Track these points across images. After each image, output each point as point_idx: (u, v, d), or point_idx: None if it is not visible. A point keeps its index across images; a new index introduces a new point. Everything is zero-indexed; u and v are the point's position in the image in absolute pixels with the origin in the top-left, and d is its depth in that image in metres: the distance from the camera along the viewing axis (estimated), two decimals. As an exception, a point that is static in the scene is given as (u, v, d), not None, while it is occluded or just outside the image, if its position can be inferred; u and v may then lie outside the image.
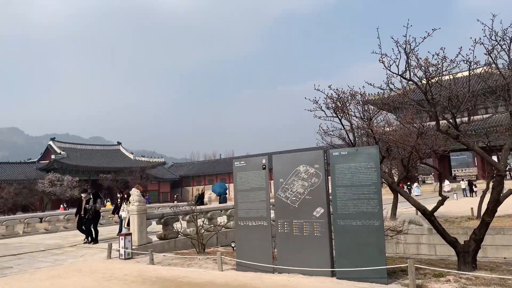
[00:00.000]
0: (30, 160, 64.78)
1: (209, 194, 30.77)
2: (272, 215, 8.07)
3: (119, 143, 73.39)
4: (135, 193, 11.33)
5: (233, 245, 11.48)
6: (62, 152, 58.42)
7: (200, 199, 26.95)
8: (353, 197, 6.79)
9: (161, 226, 12.27)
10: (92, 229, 13.28)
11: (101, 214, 22.94)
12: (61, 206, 38.02)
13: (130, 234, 10.60)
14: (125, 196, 14.75)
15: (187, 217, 12.40)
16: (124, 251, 10.22)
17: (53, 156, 57.19)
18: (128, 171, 54.99)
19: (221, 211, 13.91)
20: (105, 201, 46.10)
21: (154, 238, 11.78)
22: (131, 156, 69.64)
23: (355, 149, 6.96)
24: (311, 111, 8.44)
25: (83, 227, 13.50)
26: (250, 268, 7.85)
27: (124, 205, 14.37)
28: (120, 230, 14.79)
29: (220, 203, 21.73)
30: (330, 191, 7.30)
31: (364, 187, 6.71)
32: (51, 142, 62.60)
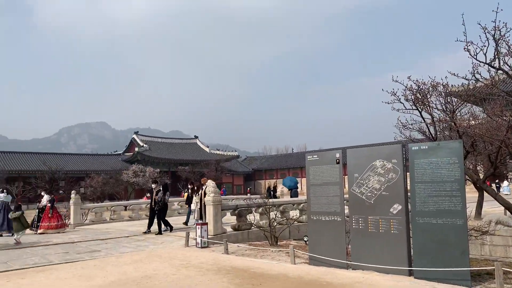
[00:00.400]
0: (116, 152, 69.78)
1: (281, 188, 30.95)
2: (346, 211, 7.92)
3: (196, 137, 76.37)
4: (210, 184, 11.72)
5: (305, 239, 11.46)
6: (144, 145, 62.16)
7: (272, 193, 27.27)
8: (434, 194, 6.43)
9: (235, 217, 12.59)
10: (160, 221, 13.62)
11: (177, 203, 24.16)
12: (145, 195, 40.33)
13: (206, 223, 11.00)
14: (195, 188, 15.26)
15: (260, 210, 12.58)
16: (201, 240, 10.63)
17: (136, 149, 61.08)
18: (204, 164, 57.06)
19: (294, 205, 13.92)
20: (183, 192, 48.37)
21: (228, 229, 12.11)
22: (207, 149, 72.14)
23: (437, 143, 6.57)
24: (388, 103, 8.10)
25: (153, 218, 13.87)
26: (322, 262, 7.78)
27: (195, 197, 14.79)
28: (187, 220, 15.55)
29: (291, 197, 21.79)
30: (408, 187, 6.99)
31: (446, 183, 6.32)
32: (134, 136, 66.85)
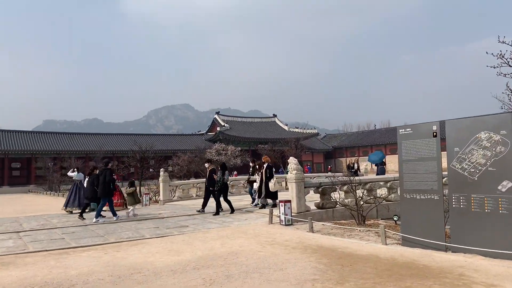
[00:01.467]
0: (199, 132, 72.54)
1: (365, 165, 29.87)
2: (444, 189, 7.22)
3: (274, 116, 76.59)
4: (292, 161, 11.48)
5: (395, 218, 10.83)
6: (225, 125, 63.77)
7: (353, 170, 26.46)
8: (555, 170, 5.54)
9: (318, 195, 12.27)
10: (219, 201, 13.17)
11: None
12: (234, 172, 41.30)
13: (289, 201, 10.82)
14: (257, 166, 14.78)
15: (345, 188, 12.11)
16: (285, 217, 10.50)
17: (218, 128, 62.89)
18: (283, 142, 57.11)
19: (381, 182, 13.22)
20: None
21: (312, 207, 11.84)
22: (286, 128, 72.10)
23: (559, 111, 5.63)
24: (494, 67, 7.13)
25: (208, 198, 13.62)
26: (417, 244, 7.21)
27: (256, 176, 14.51)
28: (253, 200, 15.07)
29: (377, 174, 20.83)
30: (521, 162, 6.13)
31: None
32: (216, 116, 68.85)
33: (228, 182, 14.06)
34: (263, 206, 13.75)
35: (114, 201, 15.10)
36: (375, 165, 22.86)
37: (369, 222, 10.93)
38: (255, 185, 14.61)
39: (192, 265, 6.65)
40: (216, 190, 13.28)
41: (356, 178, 12.06)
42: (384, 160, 22.94)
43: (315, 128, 76.64)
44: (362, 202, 10.85)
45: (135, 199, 13.84)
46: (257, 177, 14.42)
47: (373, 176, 19.60)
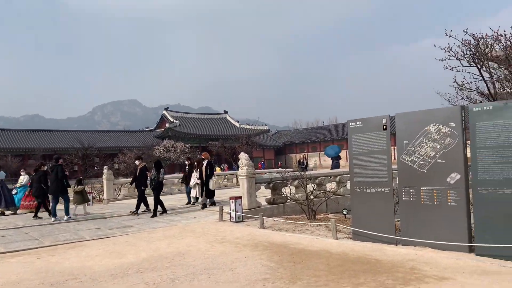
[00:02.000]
0: (147, 129, 70.57)
1: (314, 160, 30.24)
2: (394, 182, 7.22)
3: (225, 112, 76.11)
4: (243, 157, 11.18)
5: (344, 212, 10.85)
6: (175, 121, 62.41)
7: (303, 166, 26.69)
8: (500, 161, 5.62)
9: (269, 191, 12.07)
10: (157, 201, 12.33)
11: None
12: (183, 170, 40.28)
13: (240, 197, 10.53)
14: (195, 164, 13.99)
15: (296, 183, 11.99)
16: (235, 214, 10.18)
17: (167, 125, 61.42)
18: (234, 138, 56.82)
19: (331, 177, 13.25)
20: (215, 167, 48.41)
21: (263, 203, 11.62)
22: (237, 124, 71.85)
23: (504, 103, 5.71)
24: (442, 60, 7.19)
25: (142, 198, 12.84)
26: (368, 238, 7.15)
27: (194, 173, 13.76)
28: (189, 200, 14.28)
29: (331, 169, 21.06)
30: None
31: (516, 148, 5.48)
32: (165, 112, 67.21)
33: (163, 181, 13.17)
34: (204, 206, 13.06)
35: (27, 202, 14.23)
36: (331, 159, 23.11)
37: (319, 216, 10.86)
38: (192, 183, 13.87)
39: (134, 268, 6.17)
40: (152, 188, 12.45)
41: (307, 172, 11.97)
42: (339, 154, 23.24)
43: (266, 125, 76.98)
44: (312, 197, 10.76)
45: (84, 197, 13.41)
46: (194, 175, 13.73)
47: (322, 170, 19.74)
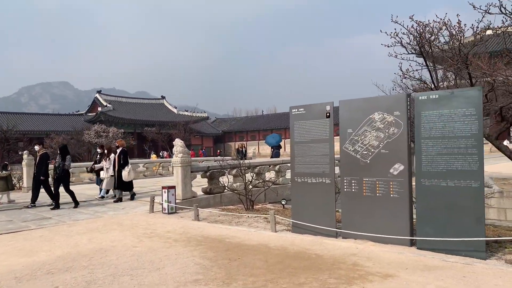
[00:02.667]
0: (78, 112, 66.60)
1: (253, 149, 29.94)
2: (336, 172, 6.91)
3: (163, 97, 73.80)
4: (178, 143, 10.44)
5: (283, 202, 10.52)
6: (108, 105, 59.37)
7: (242, 154, 26.26)
8: (444, 152, 5.44)
9: (206, 180, 11.45)
10: (58, 192, 10.87)
11: (142, 165, 22.78)
12: (152, 154, 37.79)
13: (173, 187, 9.81)
14: (105, 152, 12.80)
15: (234, 171, 11.47)
16: (168, 205, 9.47)
17: (99, 109, 58.31)
18: (171, 125, 55.21)
19: (270, 166, 12.88)
20: (150, 154, 46.68)
21: (199, 192, 10.99)
22: (175, 110, 69.97)
23: (450, 92, 5.52)
24: (388, 46, 6.95)
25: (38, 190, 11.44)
26: (307, 230, 6.81)
27: (104, 163, 12.58)
28: (101, 191, 12.87)
29: (271, 157, 20.78)
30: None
31: (460, 139, 5.33)
32: (97, 95, 63.72)
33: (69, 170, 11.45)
34: (119, 199, 11.85)
35: None
36: (271, 148, 22.84)
37: (257, 206, 10.46)
38: (102, 174, 12.54)
39: (46, 269, 5.33)
40: (56, 178, 10.94)
41: (246, 161, 11.49)
42: (280, 143, 23.01)
43: (205, 112, 75.75)
44: (251, 187, 10.31)
45: (8, 184, 12.51)
46: (104, 164, 12.47)
47: (262, 159, 19.40)
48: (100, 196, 12.60)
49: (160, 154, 48.06)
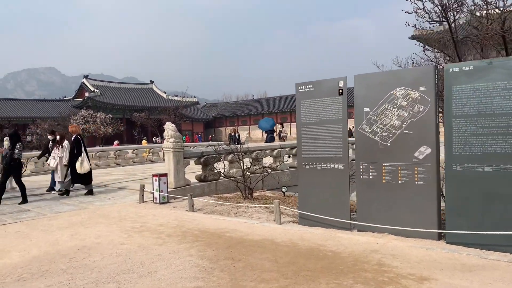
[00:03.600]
0: (64, 98, 64.94)
1: (246, 134, 29.11)
2: (350, 156, 6.16)
3: (151, 82, 72.28)
4: (170, 127, 9.60)
5: (284, 190, 9.81)
6: (96, 90, 57.90)
7: (236, 139, 25.49)
8: (480, 132, 4.70)
9: (199, 166, 10.65)
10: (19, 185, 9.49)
11: (131, 151, 21.87)
12: (115, 142, 36.33)
13: (165, 174, 8.99)
14: (57, 139, 10.94)
15: (230, 157, 10.68)
16: (159, 194, 8.67)
17: (86, 94, 56.83)
18: (161, 110, 54.05)
19: (268, 151, 12.10)
20: (141, 139, 45.60)
21: (193, 180, 10.20)
22: (164, 95, 68.64)
23: (487, 62, 4.75)
24: (409, 13, 6.14)
25: None
26: (316, 222, 6.08)
27: (55, 151, 10.74)
28: (53, 184, 11.10)
29: (266, 142, 20.00)
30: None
31: (500, 117, 4.58)
32: (84, 80, 62.04)
33: (21, 158, 9.67)
34: (66, 193, 10.23)
35: None
36: (265, 132, 21.98)
37: (256, 194, 9.71)
38: (52, 163, 10.75)
39: (17, 274, 4.53)
40: (3, 167, 9.55)
41: (244, 146, 10.68)
42: (274, 128, 22.21)
43: (195, 97, 74.46)
44: (249, 173, 9.54)
45: None
46: (56, 153, 10.68)
47: (256, 144, 18.57)
48: (58, 190, 10.68)
49: (154, 140, 46.92)
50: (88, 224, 6.96)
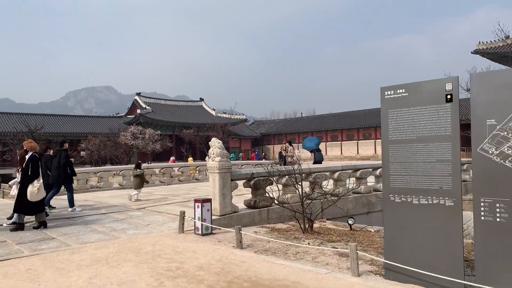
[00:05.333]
0: (118, 115, 66.48)
1: (298, 152, 27.47)
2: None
3: (201, 99, 72.72)
4: (216, 144, 8.23)
5: (350, 222, 8.13)
6: (147, 107, 58.72)
7: (285, 157, 23.88)
8: None
9: (248, 189, 9.18)
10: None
11: (177, 169, 20.87)
12: (171, 158, 35.74)
13: (209, 200, 7.59)
14: (19, 156, 8.48)
15: (284, 180, 9.14)
16: (201, 224, 7.27)
17: (138, 111, 57.66)
18: (209, 127, 53.63)
19: (327, 173, 10.42)
20: (188, 156, 45.15)
21: (241, 205, 8.75)
22: (213, 112, 68.65)
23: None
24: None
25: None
26: (412, 278, 4.38)
27: (17, 175, 8.75)
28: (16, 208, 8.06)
29: (315, 161, 18.31)
30: None
31: None
32: (137, 97, 63.21)
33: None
34: (19, 227, 7.85)
35: None
36: (311, 152, 20.34)
37: (315, 225, 8.09)
38: (12, 191, 8.97)
39: None
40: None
41: (303, 167, 9.07)
42: (319, 146, 20.51)
43: (243, 114, 73.90)
44: (310, 201, 7.97)
45: (143, 181, 12.48)
46: (17, 177, 8.67)
47: (317, 165, 16.87)
48: (11, 221, 8.33)
49: (207, 159, 46.04)
50: (114, 261, 5.65)
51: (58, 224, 8.60)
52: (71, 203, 10.25)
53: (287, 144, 22.23)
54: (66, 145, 10.76)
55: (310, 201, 8.05)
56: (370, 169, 11.51)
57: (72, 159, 10.72)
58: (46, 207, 9.01)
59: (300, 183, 8.12)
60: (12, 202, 9.93)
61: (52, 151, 11.00)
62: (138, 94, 64.03)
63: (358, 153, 62.91)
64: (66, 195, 10.44)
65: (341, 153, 63.56)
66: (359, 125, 62.48)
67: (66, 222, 8.75)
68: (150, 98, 68.02)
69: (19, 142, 20.38)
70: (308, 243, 6.57)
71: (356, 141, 63.50)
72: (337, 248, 6.19)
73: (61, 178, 10.22)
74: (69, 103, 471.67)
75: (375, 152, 60.60)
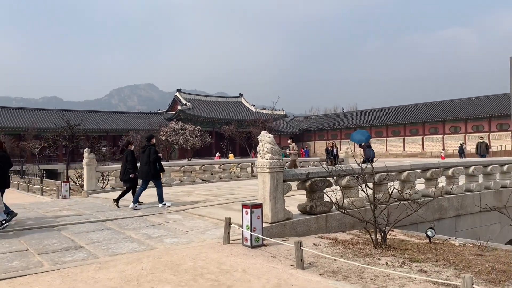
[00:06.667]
0: (159, 111, 66.92)
1: (346, 148, 25.81)
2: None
3: (241, 95, 72.06)
4: (266, 138, 6.98)
5: (430, 234, 6.69)
6: (187, 103, 58.63)
7: (333, 154, 22.34)
8: None
9: (297, 191, 7.90)
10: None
11: (218, 166, 19.90)
12: (217, 154, 35.26)
13: (259, 205, 6.36)
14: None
15: (345, 181, 7.80)
16: (251, 234, 6.07)
17: (179, 107, 57.68)
18: (249, 123, 52.67)
19: (393, 173, 8.94)
20: (228, 152, 44.39)
21: (294, 210, 7.48)
22: (252, 108, 67.81)
23: None
24: None
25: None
26: None
27: None
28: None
29: (366, 156, 16.75)
30: None
31: None
32: (177, 93, 63.33)
33: None
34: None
35: None
36: (360, 146, 18.74)
37: (387, 236, 6.70)
38: None
39: None
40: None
41: (363, 165, 7.68)
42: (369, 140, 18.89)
43: (283, 110, 72.55)
44: (382, 207, 6.60)
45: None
46: None
47: (352, 161, 15.32)
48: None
49: (254, 152, 44.67)
50: (147, 282, 4.55)
51: (89, 228, 7.67)
52: (161, 198, 10.00)
53: (332, 141, 20.68)
54: (154, 140, 10.49)
55: (384, 206, 6.66)
56: (441, 169, 9.92)
57: (160, 155, 10.52)
58: (135, 204, 9.66)
59: (369, 186, 6.75)
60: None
61: (133, 146, 10.71)
62: (179, 90, 64.12)
63: (404, 149, 60.06)
64: (136, 191, 10.19)
65: (386, 150, 60.93)
66: (405, 120, 59.63)
67: (97, 227, 7.79)
68: (190, 94, 68.09)
69: (60, 138, 20.04)
70: (386, 263, 5.23)
71: (403, 137, 60.69)
72: (425, 270, 4.82)
73: (151, 174, 9.99)
74: (113, 100, 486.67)
75: (423, 149, 57.56)
